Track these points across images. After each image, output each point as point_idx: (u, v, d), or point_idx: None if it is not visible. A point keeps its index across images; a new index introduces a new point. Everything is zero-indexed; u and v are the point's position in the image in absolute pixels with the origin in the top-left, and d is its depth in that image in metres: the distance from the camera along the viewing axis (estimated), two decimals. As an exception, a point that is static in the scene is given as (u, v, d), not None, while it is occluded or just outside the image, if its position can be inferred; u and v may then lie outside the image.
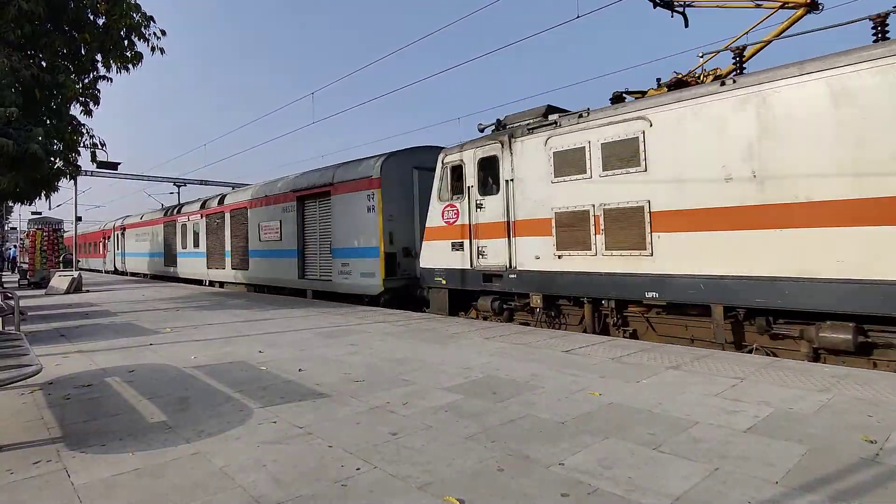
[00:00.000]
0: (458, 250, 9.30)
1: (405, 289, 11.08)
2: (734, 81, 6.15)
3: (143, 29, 9.72)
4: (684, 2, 7.84)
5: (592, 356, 5.79)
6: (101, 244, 34.19)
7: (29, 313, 11.34)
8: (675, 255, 6.55)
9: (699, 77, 7.19)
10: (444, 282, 9.58)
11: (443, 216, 9.57)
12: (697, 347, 6.35)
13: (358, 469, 3.01)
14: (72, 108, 10.19)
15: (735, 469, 2.89)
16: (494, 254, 8.69)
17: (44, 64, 9.29)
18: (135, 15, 9.56)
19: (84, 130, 10.64)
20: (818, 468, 2.87)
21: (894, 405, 3.87)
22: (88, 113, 10.21)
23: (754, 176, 5.91)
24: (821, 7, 6.74)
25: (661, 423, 3.63)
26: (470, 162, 9.13)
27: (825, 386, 4.41)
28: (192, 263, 20.55)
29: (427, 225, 9.98)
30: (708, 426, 3.56)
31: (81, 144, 10.58)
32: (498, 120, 9.22)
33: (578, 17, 9.11)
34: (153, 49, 9.88)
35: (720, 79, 6.46)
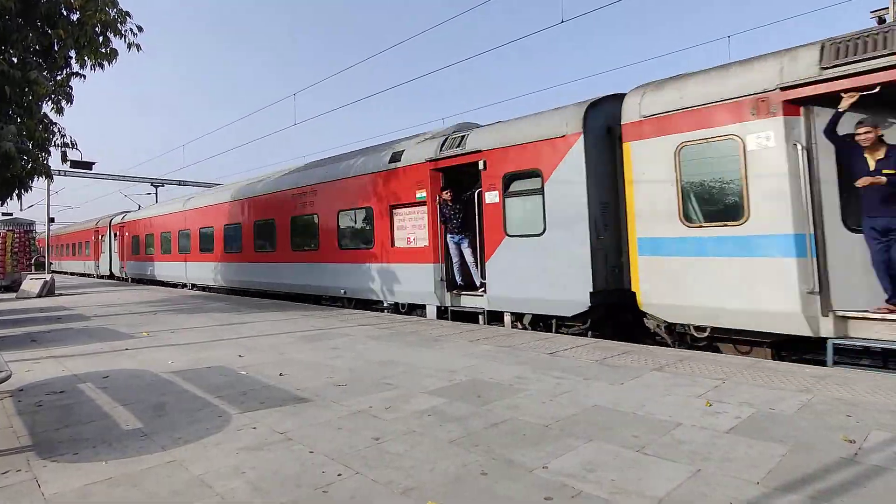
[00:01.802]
0: None
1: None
2: None
3: (118, 25, 9.56)
4: None
5: (577, 358, 5.83)
6: (319, 230, 12.29)
7: (-2, 318, 11.07)
8: None
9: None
10: None
11: None
12: (680, 350, 6.43)
13: (339, 475, 2.99)
14: (43, 105, 9.97)
15: (717, 470, 2.93)
16: None
17: (14, 60, 9.08)
18: (110, 10, 9.40)
19: (56, 129, 10.43)
20: (799, 468, 2.93)
21: (872, 405, 3.96)
22: (60, 111, 10.00)
23: None
24: None
25: (644, 425, 3.67)
26: None
27: (805, 386, 4.49)
28: None
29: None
30: (691, 427, 3.60)
31: (52, 143, 10.35)
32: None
33: (563, 21, 9.18)
34: (129, 45, 9.73)
35: None
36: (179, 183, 36.72)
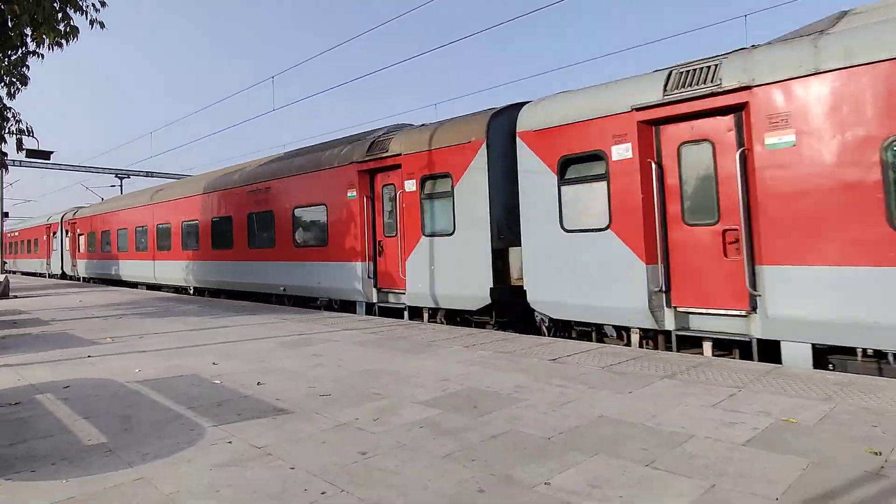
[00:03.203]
0: None
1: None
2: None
3: (79, 0, 9.46)
4: None
5: (582, 365, 5.85)
6: None
7: (-53, 322, 10.96)
8: None
9: None
10: None
11: None
12: (693, 355, 6.47)
13: (323, 493, 2.99)
14: (-4, 88, 9.86)
15: (733, 486, 2.95)
16: None
17: (-36, 38, 8.97)
18: (69, -16, 9.29)
19: (10, 115, 10.32)
20: (821, 483, 2.95)
21: (899, 414, 3.99)
22: (12, 95, 9.89)
23: None
24: None
25: (654, 438, 3.68)
26: None
27: (827, 394, 4.53)
28: None
29: None
30: (704, 440, 3.62)
31: (6, 130, 10.24)
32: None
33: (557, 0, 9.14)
34: (92, 22, 9.63)
35: None
36: (147, 174, 36.52)
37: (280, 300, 13.80)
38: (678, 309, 6.90)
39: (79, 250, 26.27)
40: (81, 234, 25.90)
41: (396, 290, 10.49)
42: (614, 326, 7.67)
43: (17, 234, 38.63)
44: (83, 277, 26.08)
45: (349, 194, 11.12)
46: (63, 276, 28.90)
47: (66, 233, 27.98)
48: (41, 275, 32.39)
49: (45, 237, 31.63)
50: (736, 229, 6.42)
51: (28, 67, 10.06)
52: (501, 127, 9.07)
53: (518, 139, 8.48)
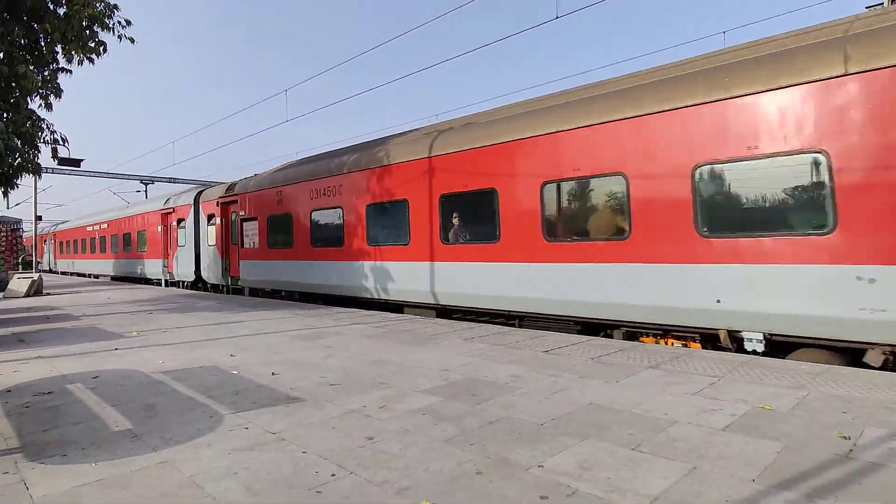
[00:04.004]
0: None
1: None
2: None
3: (106, 18, 9.48)
4: None
5: (573, 356, 5.84)
6: None
7: (-15, 317, 10.96)
8: None
9: None
10: None
11: None
12: (675, 347, 6.46)
13: (333, 475, 2.99)
14: (31, 101, 9.89)
15: (713, 468, 2.95)
16: None
17: (0, 55, 8.99)
18: (97, 4, 9.31)
19: (44, 126, 10.34)
20: (794, 465, 2.95)
21: (868, 402, 3.99)
22: (49, 106, 9.92)
23: None
24: None
25: (640, 423, 3.68)
26: None
27: (800, 383, 4.53)
28: None
29: None
30: (686, 425, 3.62)
31: (41, 140, 10.27)
32: None
33: (557, 17, 9.19)
34: (120, 38, 9.64)
35: None
36: (170, 180, 36.53)
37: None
38: None
39: (242, 246, 15.21)
40: (251, 220, 14.72)
41: None
42: None
43: (105, 226, 26.11)
44: (253, 290, 15.26)
45: None
46: (196, 284, 17.97)
47: (210, 219, 16.84)
48: (150, 282, 21.38)
49: (158, 228, 20.05)
50: None
51: (59, 83, 10.09)
52: None
53: None
